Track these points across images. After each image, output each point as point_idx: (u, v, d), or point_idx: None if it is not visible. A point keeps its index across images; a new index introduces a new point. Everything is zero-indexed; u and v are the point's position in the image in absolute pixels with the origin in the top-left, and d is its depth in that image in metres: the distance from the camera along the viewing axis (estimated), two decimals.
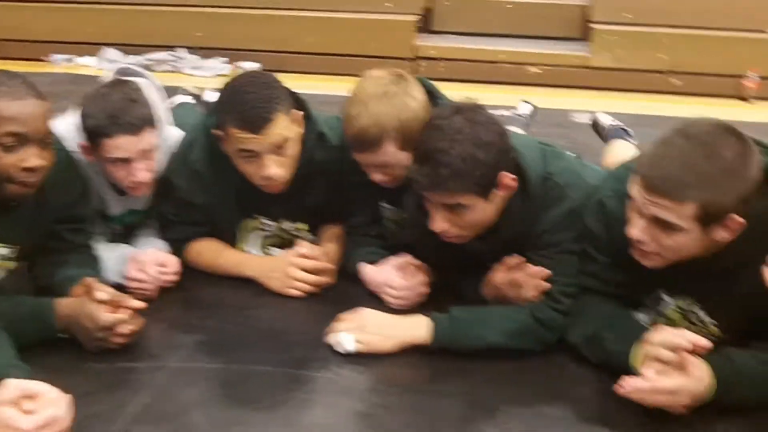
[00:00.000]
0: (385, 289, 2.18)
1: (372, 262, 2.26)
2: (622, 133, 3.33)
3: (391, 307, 2.14)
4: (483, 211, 1.90)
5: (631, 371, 1.72)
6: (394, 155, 2.07)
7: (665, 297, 1.92)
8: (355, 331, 1.95)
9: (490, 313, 2.01)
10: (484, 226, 1.95)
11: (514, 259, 2.02)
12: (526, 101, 3.71)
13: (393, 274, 2.18)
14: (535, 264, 1.99)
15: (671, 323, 1.90)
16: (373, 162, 2.12)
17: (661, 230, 1.69)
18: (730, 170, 1.62)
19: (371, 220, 2.39)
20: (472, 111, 1.85)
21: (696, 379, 1.66)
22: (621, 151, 3.03)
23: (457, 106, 1.89)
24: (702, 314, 1.89)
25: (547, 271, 1.97)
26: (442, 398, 1.80)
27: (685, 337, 1.67)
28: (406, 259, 2.20)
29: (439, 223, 1.90)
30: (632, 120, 3.59)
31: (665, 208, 1.65)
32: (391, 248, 2.31)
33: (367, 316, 1.99)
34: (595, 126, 3.50)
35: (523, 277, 2.00)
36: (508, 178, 1.88)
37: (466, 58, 5.64)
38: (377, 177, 2.16)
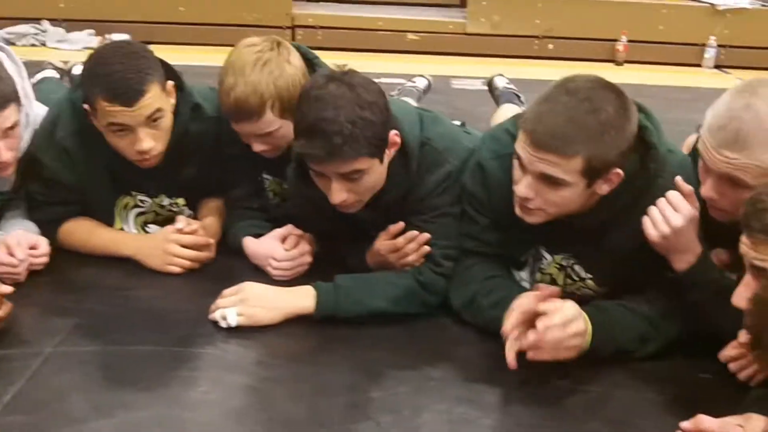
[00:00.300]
0: (268, 261, 2.15)
1: (255, 236, 2.22)
2: (513, 98, 3.38)
3: (275, 279, 2.11)
4: (378, 173, 1.89)
5: None
6: (275, 123, 2.04)
7: (545, 254, 1.97)
8: (238, 304, 1.92)
9: (373, 279, 2.02)
10: (376, 189, 1.93)
11: (396, 226, 2.03)
12: (421, 75, 3.69)
13: (276, 246, 2.15)
14: (416, 229, 2.00)
15: (551, 279, 1.97)
16: (253, 131, 2.08)
17: (548, 186, 1.71)
18: (613, 124, 1.66)
19: (252, 192, 2.35)
20: (346, 75, 1.83)
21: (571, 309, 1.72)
22: (509, 115, 3.07)
23: (328, 74, 1.86)
24: (579, 269, 1.95)
25: (426, 235, 1.99)
26: (329, 367, 1.79)
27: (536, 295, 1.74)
28: (288, 229, 2.17)
29: (338, 194, 1.86)
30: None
31: (552, 163, 1.67)
32: (274, 220, 2.27)
33: (249, 289, 1.96)
34: (490, 88, 3.54)
35: (404, 243, 2.01)
36: (394, 136, 1.88)
37: (344, 26, 5.62)
38: (258, 147, 2.11)
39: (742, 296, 1.40)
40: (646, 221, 1.72)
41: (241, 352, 1.84)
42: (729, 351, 1.73)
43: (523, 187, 1.74)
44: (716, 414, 1.50)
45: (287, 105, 1.98)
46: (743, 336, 1.65)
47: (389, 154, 1.89)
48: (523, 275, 2.02)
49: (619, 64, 5.56)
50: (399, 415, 1.63)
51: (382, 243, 2.05)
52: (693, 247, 1.73)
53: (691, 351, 1.83)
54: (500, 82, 3.49)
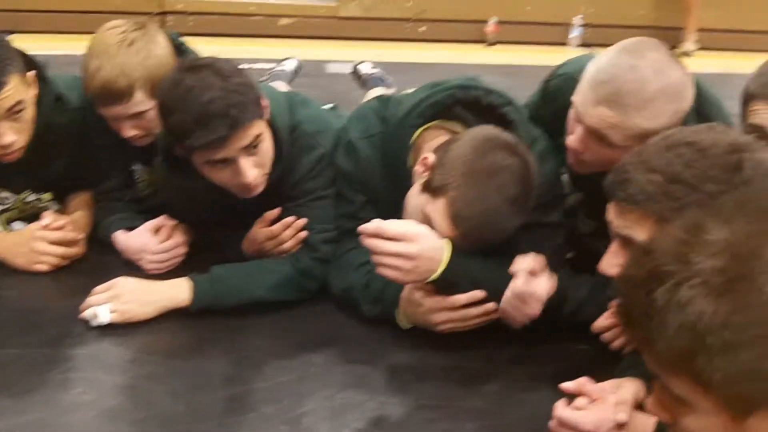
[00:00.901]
0: (141, 255, 2.08)
1: (127, 229, 2.15)
2: (379, 82, 3.40)
3: (149, 272, 2.05)
4: (269, 137, 1.86)
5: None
6: (145, 104, 1.98)
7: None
8: (110, 301, 1.85)
9: (251, 268, 1.99)
10: (271, 158, 1.89)
11: (271, 213, 2.00)
12: (289, 57, 3.67)
13: (149, 238, 2.09)
14: (292, 215, 1.98)
15: None
16: (123, 114, 2.01)
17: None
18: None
19: (122, 184, 2.28)
20: (205, 62, 1.80)
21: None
22: None
23: (187, 66, 1.80)
24: None
25: (302, 220, 1.98)
26: (208, 360, 1.76)
27: None
28: (161, 220, 2.11)
29: (249, 172, 1.81)
30: (385, 68, 3.66)
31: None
32: (147, 212, 2.20)
33: (121, 284, 1.89)
34: (356, 74, 3.54)
35: (280, 229, 1.99)
36: (265, 102, 1.86)
37: (216, 11, 5.51)
38: (129, 132, 2.04)
39: (609, 263, 1.44)
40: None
41: (115, 351, 1.78)
42: (601, 322, 1.78)
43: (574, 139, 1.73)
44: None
45: (157, 84, 1.92)
46: (614, 307, 1.73)
47: (266, 115, 1.86)
48: None
49: (490, 44, 5.67)
50: (281, 405, 1.61)
51: (259, 230, 2.02)
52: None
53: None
54: (364, 68, 3.51)
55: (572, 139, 1.72)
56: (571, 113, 1.75)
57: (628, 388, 1.48)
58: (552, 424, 1.47)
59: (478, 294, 1.72)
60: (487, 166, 1.66)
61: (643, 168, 1.34)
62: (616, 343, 1.78)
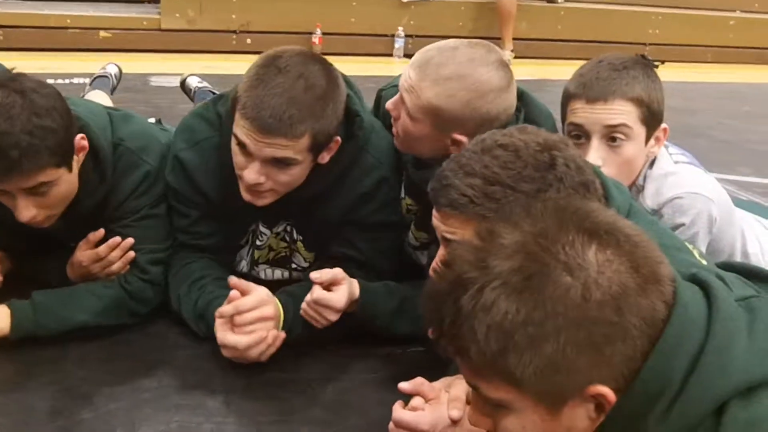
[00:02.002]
0: None
1: None
2: (208, 95, 3.34)
3: None
4: (69, 182, 1.77)
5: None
6: None
7: (263, 230, 2.00)
8: None
9: (75, 292, 1.90)
10: (69, 200, 1.81)
11: (95, 234, 1.92)
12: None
13: None
14: (118, 235, 1.91)
15: (269, 249, 2.03)
16: None
17: (277, 168, 1.72)
18: (329, 96, 1.71)
19: None
20: (15, 81, 1.68)
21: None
22: None
23: (7, 80, 1.69)
24: (293, 230, 2.01)
25: (129, 241, 1.91)
26: (32, 393, 1.66)
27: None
28: None
29: (25, 212, 1.71)
30: (214, 80, 3.60)
31: (282, 146, 1.68)
32: None
33: None
34: (183, 87, 3.47)
35: (106, 251, 1.91)
36: (81, 140, 1.77)
37: (29, 24, 5.24)
38: None
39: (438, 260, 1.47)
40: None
41: None
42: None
43: (252, 173, 1.73)
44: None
45: None
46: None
47: (78, 159, 1.78)
48: (244, 253, 2.04)
49: None
50: None
51: (83, 253, 1.94)
52: None
53: None
54: (193, 82, 3.44)
55: (389, 102, 1.81)
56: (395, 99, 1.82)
57: (460, 385, 1.52)
58: (390, 426, 1.49)
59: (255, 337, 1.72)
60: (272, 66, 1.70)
61: (461, 173, 1.38)
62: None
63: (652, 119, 1.82)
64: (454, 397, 1.48)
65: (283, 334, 1.76)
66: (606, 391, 1.01)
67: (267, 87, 1.67)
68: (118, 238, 1.90)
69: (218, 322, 1.74)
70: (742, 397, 1.01)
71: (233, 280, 1.78)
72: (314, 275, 1.72)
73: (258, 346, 1.72)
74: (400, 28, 5.89)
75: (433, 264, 1.47)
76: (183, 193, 1.93)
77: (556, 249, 0.99)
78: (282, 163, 1.72)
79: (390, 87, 2.08)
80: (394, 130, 1.85)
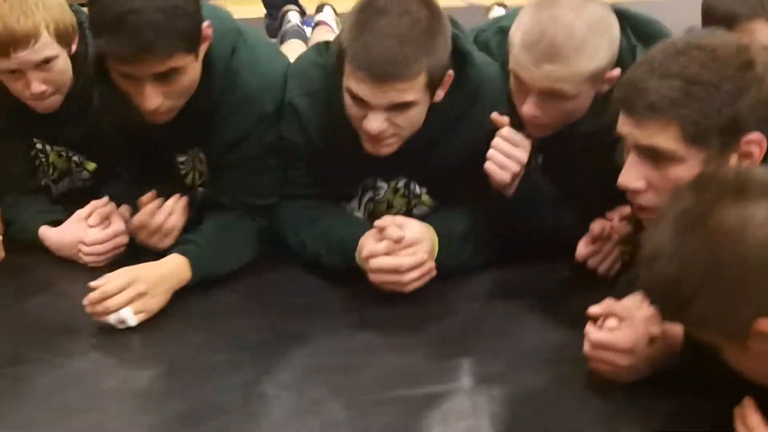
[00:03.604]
0: (78, 248, 1.88)
1: (51, 223, 1.93)
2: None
3: (90, 266, 1.86)
4: (194, 72, 1.70)
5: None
6: (52, 48, 1.81)
7: (380, 183, 1.94)
8: (134, 300, 1.65)
9: (221, 229, 1.87)
10: (192, 92, 1.74)
11: (147, 197, 1.86)
12: None
13: (83, 229, 1.89)
14: (225, 178, 1.89)
15: (388, 205, 1.95)
16: (29, 61, 1.79)
17: (398, 112, 1.66)
18: (435, 28, 1.64)
19: (26, 171, 2.04)
20: None
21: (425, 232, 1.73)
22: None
23: None
24: (414, 186, 1.94)
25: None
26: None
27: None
28: (92, 206, 1.91)
29: (152, 99, 1.64)
30: None
31: (400, 90, 1.62)
32: (62, 201, 2.04)
33: (140, 278, 1.67)
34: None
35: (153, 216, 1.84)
36: (207, 27, 1.69)
37: None
38: (37, 87, 1.81)
39: (631, 176, 1.43)
40: (490, 167, 1.72)
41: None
42: (583, 250, 1.80)
43: (375, 122, 1.66)
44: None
45: (62, 29, 1.78)
46: (598, 227, 1.75)
47: (203, 48, 1.70)
48: (354, 205, 1.97)
49: None
50: None
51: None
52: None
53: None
54: (294, 18, 3.32)
55: (527, 108, 1.70)
56: (513, 85, 1.74)
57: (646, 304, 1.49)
58: (587, 348, 1.47)
59: (418, 258, 1.68)
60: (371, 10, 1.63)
61: (658, 75, 1.35)
62: (602, 268, 1.81)
63: None
64: (648, 314, 1.46)
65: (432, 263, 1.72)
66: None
67: (373, 32, 1.60)
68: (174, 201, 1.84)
69: (370, 246, 1.70)
70: None
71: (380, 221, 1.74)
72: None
73: (419, 268, 1.68)
74: None
75: (627, 173, 1.43)
76: (293, 141, 1.86)
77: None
78: (403, 106, 1.66)
79: (488, 29, 1.99)
80: (532, 126, 1.75)
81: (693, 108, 1.32)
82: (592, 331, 1.46)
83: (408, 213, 1.95)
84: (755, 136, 1.35)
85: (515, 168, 1.72)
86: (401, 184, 1.94)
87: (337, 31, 3.24)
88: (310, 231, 1.86)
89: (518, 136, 1.72)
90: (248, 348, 1.62)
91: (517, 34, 1.67)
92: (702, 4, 1.93)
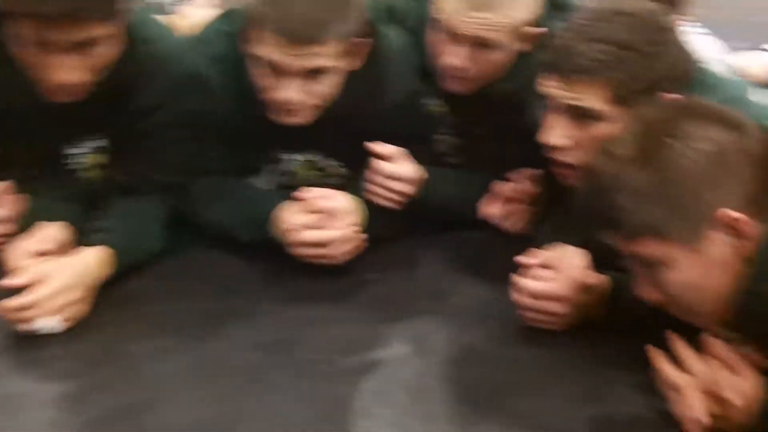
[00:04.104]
0: None
1: None
2: None
3: None
4: (113, 45, 1.59)
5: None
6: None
7: (290, 155, 1.91)
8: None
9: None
10: (107, 68, 1.62)
11: None
12: None
13: None
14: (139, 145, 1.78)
15: (299, 177, 1.92)
16: None
17: (313, 80, 1.63)
18: None
19: None
20: None
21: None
22: None
23: None
24: (328, 160, 1.93)
25: None
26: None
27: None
28: None
29: (65, 72, 1.52)
30: None
31: (317, 54, 1.59)
32: None
33: (58, 277, 1.52)
34: None
35: None
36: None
37: None
38: None
39: (557, 134, 1.49)
40: (373, 198, 1.76)
41: None
42: (489, 207, 1.86)
43: (288, 91, 1.63)
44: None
45: None
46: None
47: (123, 23, 1.61)
48: (263, 180, 1.93)
49: None
50: None
51: None
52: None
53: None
54: None
55: (455, 59, 1.73)
56: (439, 38, 1.75)
57: (579, 253, 1.56)
58: (521, 299, 1.52)
59: (346, 232, 1.69)
60: None
61: (587, 39, 1.41)
62: (513, 227, 1.87)
63: None
64: (585, 264, 1.52)
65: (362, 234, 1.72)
66: (737, 215, 1.15)
67: None
68: None
69: (290, 219, 1.68)
70: None
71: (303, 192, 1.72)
72: (375, 146, 1.72)
73: (347, 241, 1.68)
74: None
75: (550, 130, 1.48)
76: (203, 112, 1.80)
77: (668, 127, 1.21)
78: (318, 72, 1.64)
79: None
80: (456, 79, 1.80)
81: (622, 70, 1.40)
82: (529, 282, 1.51)
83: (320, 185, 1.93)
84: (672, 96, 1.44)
85: (400, 199, 1.76)
86: (314, 156, 1.92)
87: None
88: (222, 206, 1.81)
89: (401, 170, 1.75)
90: (179, 332, 1.56)
91: None
92: None
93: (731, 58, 2.73)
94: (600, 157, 1.24)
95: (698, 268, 1.19)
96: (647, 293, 1.28)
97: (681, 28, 1.49)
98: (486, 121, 1.89)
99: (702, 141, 1.18)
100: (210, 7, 3.02)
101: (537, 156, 1.69)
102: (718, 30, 2.72)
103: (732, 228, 1.17)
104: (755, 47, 3.13)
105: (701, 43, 1.97)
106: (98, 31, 1.52)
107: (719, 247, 1.17)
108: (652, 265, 1.22)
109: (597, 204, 1.23)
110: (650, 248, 1.20)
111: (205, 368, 1.47)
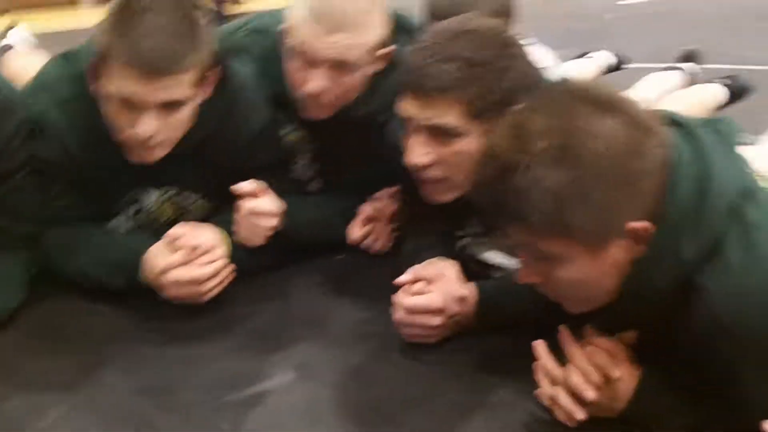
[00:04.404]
0: None
1: None
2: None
3: None
4: None
5: None
6: None
7: (149, 192, 1.87)
8: None
9: None
10: None
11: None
12: None
13: None
14: None
15: (157, 214, 1.89)
16: None
17: (168, 113, 1.61)
18: (199, 25, 1.60)
19: None
20: None
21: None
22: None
23: None
24: (188, 194, 1.90)
25: None
26: None
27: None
28: None
29: None
30: None
31: (172, 86, 1.57)
32: None
33: None
34: None
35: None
36: None
37: None
38: None
39: (419, 153, 1.52)
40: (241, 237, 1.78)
41: None
42: (355, 232, 1.93)
43: (145, 125, 1.59)
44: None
45: None
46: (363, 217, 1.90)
47: None
48: (122, 221, 1.88)
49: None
50: None
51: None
52: None
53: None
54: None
55: (314, 84, 1.75)
56: (295, 66, 1.78)
57: (452, 266, 1.63)
58: (398, 316, 1.57)
59: (217, 266, 1.69)
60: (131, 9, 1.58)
61: (439, 59, 1.47)
62: (377, 246, 1.93)
63: None
64: (456, 276, 1.59)
65: (231, 266, 1.72)
66: (643, 224, 1.19)
67: (139, 28, 1.55)
68: None
69: (165, 260, 1.67)
70: (745, 200, 1.21)
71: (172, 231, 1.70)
72: (236, 187, 1.73)
73: (216, 277, 1.68)
74: None
75: (413, 151, 1.53)
76: (49, 159, 1.74)
77: (577, 122, 1.17)
78: (174, 105, 1.62)
79: (237, 32, 2.00)
80: (313, 105, 1.82)
81: (475, 86, 1.47)
82: (404, 299, 1.57)
83: (178, 221, 1.89)
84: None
85: (267, 234, 1.79)
86: (171, 192, 1.89)
87: (34, 50, 3.08)
88: (85, 256, 1.77)
89: (263, 205, 1.77)
90: (51, 389, 1.51)
91: (300, 12, 1.73)
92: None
93: (562, 67, 2.91)
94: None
95: (593, 268, 1.22)
96: (529, 279, 1.29)
97: (521, 40, 1.57)
98: (343, 144, 1.93)
99: (615, 139, 1.16)
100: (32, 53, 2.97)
101: (395, 175, 1.76)
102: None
103: (635, 235, 1.19)
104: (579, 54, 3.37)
105: (536, 54, 2.09)
106: None
107: (618, 250, 1.20)
108: (546, 258, 1.23)
109: (500, 194, 1.19)
110: (553, 245, 1.20)
111: (89, 419, 1.43)
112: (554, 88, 1.28)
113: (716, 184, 1.19)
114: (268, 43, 1.91)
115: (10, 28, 3.21)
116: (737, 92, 2.95)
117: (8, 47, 3.08)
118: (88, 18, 5.11)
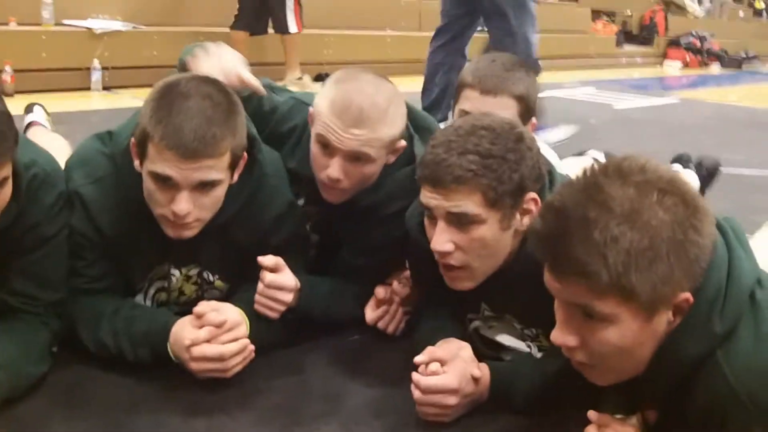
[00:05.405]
0: None
1: None
2: None
3: None
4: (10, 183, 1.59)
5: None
6: None
7: (173, 270, 1.95)
8: None
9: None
10: None
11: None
12: None
13: None
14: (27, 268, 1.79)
15: (180, 293, 1.97)
16: None
17: (202, 193, 1.70)
18: (234, 111, 1.72)
19: None
20: None
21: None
22: None
23: None
24: (207, 274, 1.97)
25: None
26: None
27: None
28: None
29: None
30: None
31: (209, 168, 1.66)
32: None
33: None
34: None
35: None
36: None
37: None
38: None
39: (442, 240, 1.62)
40: (260, 309, 1.88)
41: None
42: (370, 314, 2.01)
43: (182, 203, 1.68)
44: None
45: None
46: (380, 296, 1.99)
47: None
48: (144, 297, 1.96)
49: (9, 95, 5.28)
50: None
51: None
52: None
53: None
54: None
55: (332, 171, 1.87)
56: (317, 152, 1.90)
57: (463, 346, 1.71)
58: (417, 395, 1.63)
59: (241, 344, 1.76)
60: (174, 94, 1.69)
61: (456, 153, 1.59)
62: (391, 328, 2.01)
63: (527, 113, 2.15)
64: (470, 356, 1.67)
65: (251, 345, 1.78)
66: (687, 295, 1.28)
67: (180, 113, 1.66)
68: None
69: (191, 334, 1.73)
70: (758, 286, 1.33)
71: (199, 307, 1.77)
72: (260, 258, 1.85)
73: (240, 354, 1.75)
74: (96, 61, 5.66)
75: (437, 238, 1.63)
76: (80, 231, 1.83)
77: (647, 193, 1.26)
78: (208, 185, 1.71)
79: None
80: (331, 191, 1.93)
81: (490, 177, 1.58)
82: (421, 379, 1.64)
83: (199, 299, 1.96)
84: (532, 195, 1.63)
85: (282, 308, 1.88)
86: (193, 271, 1.97)
87: (50, 129, 3.21)
88: (110, 327, 1.83)
89: (282, 279, 1.88)
90: None
91: (324, 104, 1.86)
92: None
93: (562, 163, 3.04)
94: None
95: (637, 335, 1.27)
96: (565, 340, 1.32)
97: (532, 135, 1.70)
98: (343, 227, 2.07)
99: (678, 213, 1.24)
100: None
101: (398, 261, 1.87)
102: None
103: (679, 307, 1.27)
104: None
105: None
106: None
107: (660, 320, 1.27)
108: (594, 318, 1.27)
109: (568, 248, 1.24)
110: (609, 305, 1.25)
111: None
112: (622, 161, 1.35)
113: (739, 270, 1.30)
114: (297, 120, 2.08)
115: (32, 105, 3.34)
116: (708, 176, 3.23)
117: (32, 124, 3.23)
118: (98, 101, 5.38)
